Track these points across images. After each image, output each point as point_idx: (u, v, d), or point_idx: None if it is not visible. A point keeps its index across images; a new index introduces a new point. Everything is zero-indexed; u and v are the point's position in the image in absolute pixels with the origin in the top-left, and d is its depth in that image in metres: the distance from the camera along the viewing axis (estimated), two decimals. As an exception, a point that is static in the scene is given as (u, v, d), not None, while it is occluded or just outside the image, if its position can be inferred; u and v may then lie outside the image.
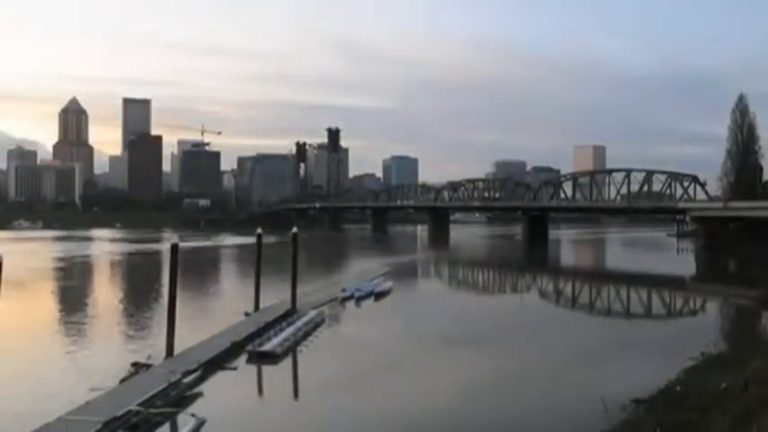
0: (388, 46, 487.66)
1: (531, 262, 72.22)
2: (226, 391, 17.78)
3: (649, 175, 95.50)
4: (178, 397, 16.40)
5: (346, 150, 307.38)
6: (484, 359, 22.08)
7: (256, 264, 29.19)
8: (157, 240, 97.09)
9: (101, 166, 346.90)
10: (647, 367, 19.65)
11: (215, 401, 16.58)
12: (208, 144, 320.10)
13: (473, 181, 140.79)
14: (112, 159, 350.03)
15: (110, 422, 13.74)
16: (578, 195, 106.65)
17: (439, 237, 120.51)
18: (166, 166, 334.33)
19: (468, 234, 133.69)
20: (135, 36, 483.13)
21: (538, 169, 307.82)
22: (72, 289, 43.18)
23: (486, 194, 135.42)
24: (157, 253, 71.54)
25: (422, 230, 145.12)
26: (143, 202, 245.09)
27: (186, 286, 35.08)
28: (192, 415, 14.94)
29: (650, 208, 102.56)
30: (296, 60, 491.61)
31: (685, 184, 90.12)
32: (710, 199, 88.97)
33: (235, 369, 19.82)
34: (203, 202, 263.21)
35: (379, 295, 35.86)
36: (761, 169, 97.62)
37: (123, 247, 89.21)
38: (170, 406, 15.57)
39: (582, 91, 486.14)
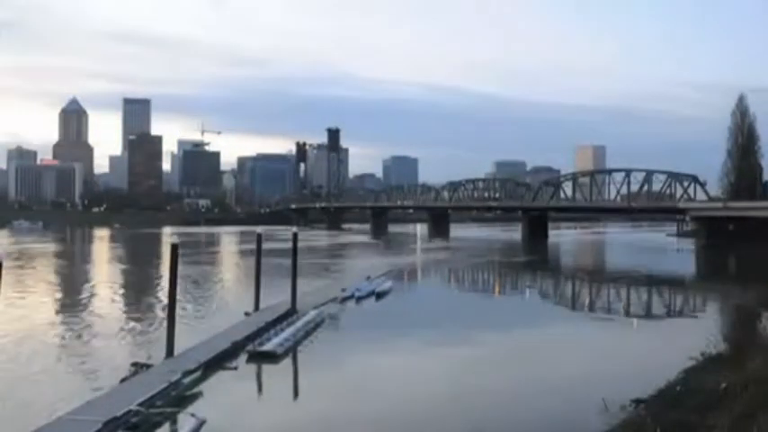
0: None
1: (531, 262, 72.08)
2: (226, 391, 17.77)
3: (649, 175, 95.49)
4: (178, 397, 16.40)
5: (346, 150, 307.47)
6: (484, 360, 22.07)
7: (256, 264, 29.18)
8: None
9: (101, 166, 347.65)
10: (648, 367, 19.63)
11: (215, 401, 16.57)
12: (208, 144, 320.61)
13: (473, 181, 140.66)
14: (112, 159, 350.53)
15: (110, 422, 13.73)
16: (578, 195, 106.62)
17: (439, 236, 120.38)
18: (166, 166, 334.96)
19: (467, 234, 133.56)
20: (135, 35, 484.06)
21: (538, 169, 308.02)
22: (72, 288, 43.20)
23: (486, 194, 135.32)
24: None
25: (421, 230, 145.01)
26: (143, 202, 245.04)
27: (186, 285, 35.18)
28: (192, 415, 14.93)
29: (650, 208, 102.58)
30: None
31: (685, 184, 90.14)
32: (710, 199, 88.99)
33: (235, 369, 19.82)
34: (203, 202, 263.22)
35: (380, 295, 35.84)
36: (761, 169, 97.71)
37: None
38: (170, 406, 15.57)
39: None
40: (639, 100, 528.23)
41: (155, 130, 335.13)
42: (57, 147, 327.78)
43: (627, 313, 34.84)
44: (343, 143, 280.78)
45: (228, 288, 43.76)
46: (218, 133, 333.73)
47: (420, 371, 20.38)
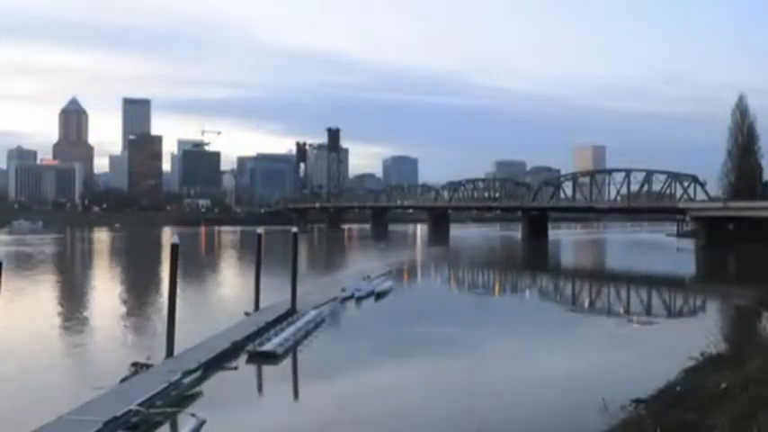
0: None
1: (531, 262, 72.19)
2: (226, 391, 17.77)
3: (649, 175, 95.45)
4: (178, 397, 16.39)
5: (346, 150, 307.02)
6: (483, 360, 22.06)
7: (256, 264, 29.17)
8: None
9: (101, 166, 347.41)
10: (648, 367, 19.64)
11: (215, 401, 16.57)
12: (208, 144, 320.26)
13: (473, 181, 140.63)
14: (112, 159, 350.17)
15: (110, 422, 13.73)
16: (578, 195, 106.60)
17: (439, 236, 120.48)
18: (166, 166, 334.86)
19: (467, 234, 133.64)
20: (135, 35, 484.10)
21: (538, 169, 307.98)
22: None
23: (487, 194, 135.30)
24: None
25: (421, 230, 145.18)
26: (143, 202, 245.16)
27: (186, 285, 35.18)
28: (192, 415, 14.93)
29: (650, 208, 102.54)
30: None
31: (685, 184, 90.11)
32: (710, 199, 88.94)
33: (235, 369, 19.82)
34: (203, 202, 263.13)
35: (380, 295, 35.84)
36: (761, 169, 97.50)
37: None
38: (170, 406, 15.57)
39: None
40: (640, 99, 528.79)
41: (155, 130, 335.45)
42: (57, 147, 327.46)
43: (626, 313, 34.84)
44: (343, 143, 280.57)
45: (228, 288, 43.81)
46: (218, 133, 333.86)
47: (419, 371, 20.36)
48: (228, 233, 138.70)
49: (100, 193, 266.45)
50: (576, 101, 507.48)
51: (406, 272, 54.24)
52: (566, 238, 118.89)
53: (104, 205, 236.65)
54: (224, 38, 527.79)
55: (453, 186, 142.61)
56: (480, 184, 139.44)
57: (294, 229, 33.20)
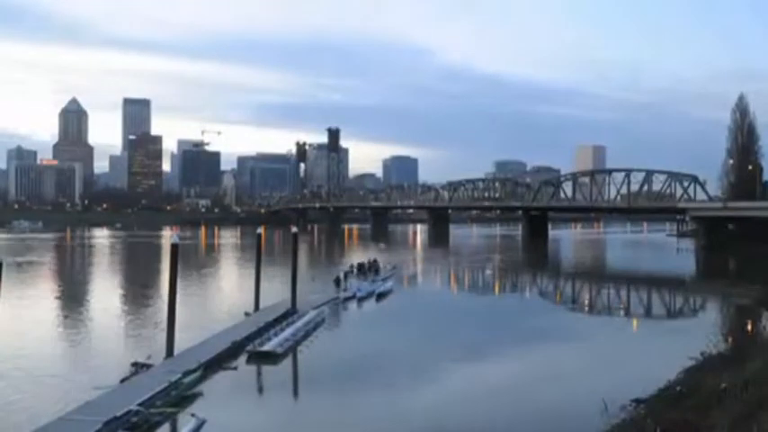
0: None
1: (531, 262, 72.11)
2: (226, 391, 17.77)
3: (649, 174, 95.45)
4: (178, 397, 16.41)
5: (346, 150, 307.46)
6: (482, 361, 22.07)
7: (256, 264, 29.17)
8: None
9: (101, 166, 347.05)
10: (648, 367, 19.64)
11: (215, 401, 16.57)
12: (208, 144, 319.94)
13: (473, 181, 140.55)
14: (112, 159, 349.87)
15: (110, 422, 13.75)
16: (578, 195, 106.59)
17: (439, 236, 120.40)
18: (166, 166, 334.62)
19: (467, 234, 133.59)
20: (136, 36, 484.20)
21: (538, 169, 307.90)
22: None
23: (486, 194, 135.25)
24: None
25: (421, 230, 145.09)
26: (143, 202, 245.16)
27: (187, 285, 35.19)
28: (192, 415, 14.94)
29: (650, 208, 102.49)
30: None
31: (685, 184, 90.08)
32: (710, 199, 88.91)
33: (235, 369, 19.83)
34: (203, 202, 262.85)
35: (381, 295, 35.82)
36: (761, 169, 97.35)
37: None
38: (170, 406, 15.59)
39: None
40: (640, 99, 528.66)
41: (155, 130, 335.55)
42: (57, 147, 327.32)
43: (627, 313, 34.85)
44: (343, 143, 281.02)
45: (228, 288, 43.76)
46: (218, 133, 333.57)
47: (420, 371, 20.34)
48: (228, 233, 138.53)
49: (100, 193, 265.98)
50: (577, 100, 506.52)
51: (406, 272, 54.10)
52: (566, 238, 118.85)
53: (104, 205, 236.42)
54: (223, 37, 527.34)
55: (453, 186, 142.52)
56: (480, 184, 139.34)
57: (294, 229, 33.22)
